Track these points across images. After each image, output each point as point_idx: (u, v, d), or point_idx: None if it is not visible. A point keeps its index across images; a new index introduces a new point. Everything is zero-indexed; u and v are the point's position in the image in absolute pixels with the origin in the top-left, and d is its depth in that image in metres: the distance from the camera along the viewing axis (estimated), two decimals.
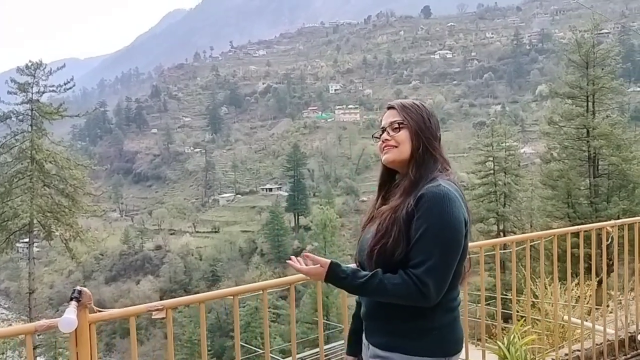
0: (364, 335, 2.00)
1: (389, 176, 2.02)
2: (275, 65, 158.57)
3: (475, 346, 3.68)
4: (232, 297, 2.56)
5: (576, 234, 4.22)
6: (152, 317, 2.12)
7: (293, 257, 1.95)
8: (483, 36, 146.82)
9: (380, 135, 1.97)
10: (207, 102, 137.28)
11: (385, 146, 1.94)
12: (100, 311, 2.01)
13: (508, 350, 2.87)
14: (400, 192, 1.88)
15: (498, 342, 2.98)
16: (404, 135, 1.91)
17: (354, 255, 2.05)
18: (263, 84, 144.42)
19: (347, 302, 3.06)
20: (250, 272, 52.77)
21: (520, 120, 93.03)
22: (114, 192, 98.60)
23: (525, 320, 3.33)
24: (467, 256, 1.94)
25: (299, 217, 71.17)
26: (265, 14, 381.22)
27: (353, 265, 1.95)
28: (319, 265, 1.85)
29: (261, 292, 2.61)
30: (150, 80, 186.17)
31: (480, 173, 31.43)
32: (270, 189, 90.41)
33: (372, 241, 1.85)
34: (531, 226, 29.29)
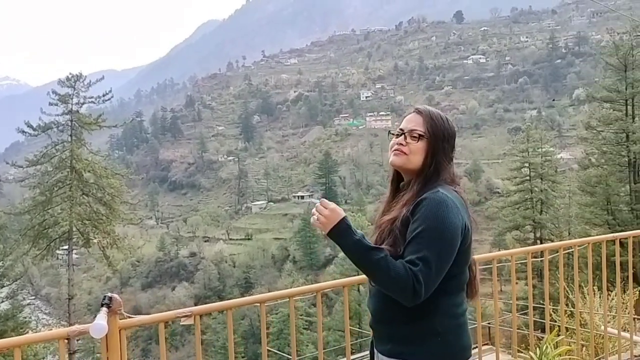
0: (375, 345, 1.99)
1: (399, 175, 2.02)
2: (306, 74, 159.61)
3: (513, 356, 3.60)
4: (265, 304, 2.56)
5: (618, 241, 4.09)
6: (181, 323, 2.16)
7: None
8: (517, 40, 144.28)
9: (397, 135, 1.97)
10: (240, 110, 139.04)
11: (397, 149, 1.93)
12: (130, 317, 2.06)
13: None
14: (402, 203, 1.88)
15: (530, 352, 2.92)
16: (419, 147, 1.90)
17: None
18: (294, 92, 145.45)
19: None
20: (283, 279, 52.96)
21: (557, 125, 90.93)
22: (150, 200, 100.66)
23: (559, 329, 3.25)
24: (473, 264, 1.94)
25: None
26: (296, 22, 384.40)
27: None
28: (337, 211, 1.79)
29: (288, 299, 2.61)
30: (185, 90, 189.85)
31: (515, 179, 30.85)
32: (302, 197, 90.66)
33: None
34: (569, 234, 28.56)
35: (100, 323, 1.86)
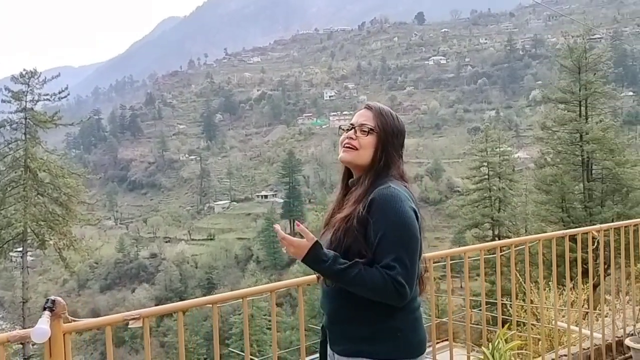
0: (328, 346, 1.96)
1: (349, 172, 2.01)
2: (269, 72, 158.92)
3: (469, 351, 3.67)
4: (217, 305, 2.51)
5: (567, 238, 4.23)
6: (129, 326, 2.10)
7: (278, 226, 1.92)
8: (477, 42, 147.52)
9: (347, 130, 1.96)
10: (202, 109, 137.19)
11: (346, 144, 1.93)
12: (75, 320, 1.99)
13: (492, 355, 2.86)
14: (353, 199, 1.87)
15: (483, 347, 2.98)
16: (369, 141, 1.91)
17: None
18: (258, 90, 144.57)
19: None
20: (246, 279, 52.63)
21: (514, 126, 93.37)
22: (108, 200, 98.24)
23: (510, 324, 3.33)
24: (423, 261, 1.93)
25: (295, 223, 71.11)
26: (259, 21, 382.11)
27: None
28: (305, 240, 1.77)
29: (241, 300, 2.57)
30: (145, 88, 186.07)
31: (474, 178, 31.50)
32: (266, 196, 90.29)
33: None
34: (526, 231, 29.35)
35: (42, 327, 1.79)
